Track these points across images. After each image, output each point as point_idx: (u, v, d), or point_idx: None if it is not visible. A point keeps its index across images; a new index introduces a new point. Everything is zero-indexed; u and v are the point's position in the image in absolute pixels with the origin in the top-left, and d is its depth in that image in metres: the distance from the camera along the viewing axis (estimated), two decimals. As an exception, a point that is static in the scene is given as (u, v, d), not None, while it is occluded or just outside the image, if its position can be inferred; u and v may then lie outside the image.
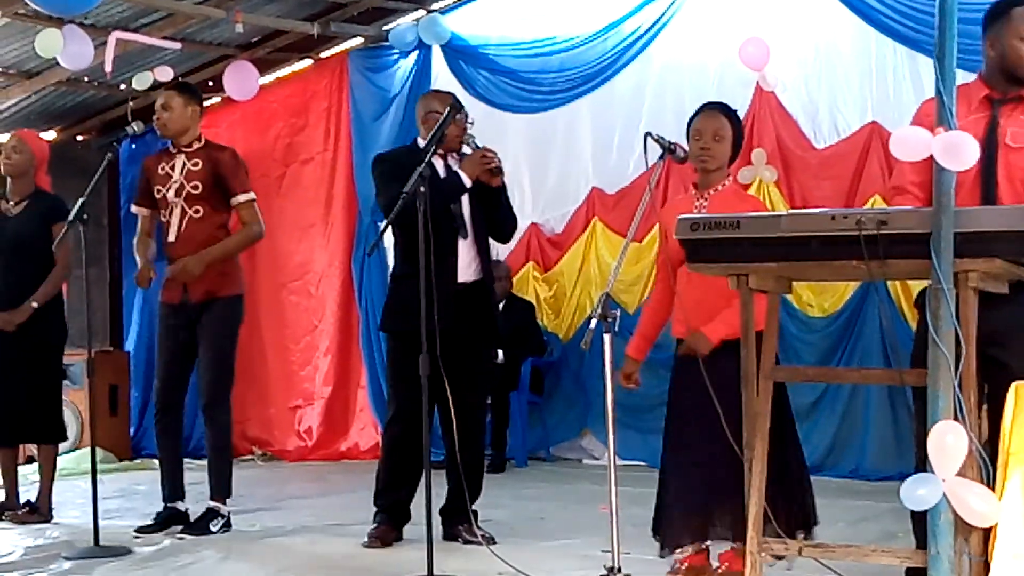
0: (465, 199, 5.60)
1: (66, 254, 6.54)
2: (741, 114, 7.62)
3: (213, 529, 6.00)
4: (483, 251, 5.70)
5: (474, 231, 5.63)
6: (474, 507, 5.58)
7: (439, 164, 5.60)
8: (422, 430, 5.06)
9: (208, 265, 6.00)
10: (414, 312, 5.14)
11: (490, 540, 5.45)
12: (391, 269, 5.85)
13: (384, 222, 5.11)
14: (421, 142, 5.65)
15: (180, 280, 6.03)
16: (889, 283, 7.13)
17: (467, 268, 5.61)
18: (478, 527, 5.52)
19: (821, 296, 7.85)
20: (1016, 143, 3.80)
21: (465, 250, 5.59)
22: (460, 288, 5.54)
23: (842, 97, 7.86)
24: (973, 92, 3.84)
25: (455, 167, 5.59)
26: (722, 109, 4.73)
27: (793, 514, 4.39)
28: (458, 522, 5.56)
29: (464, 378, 5.47)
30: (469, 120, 5.76)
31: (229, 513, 6.14)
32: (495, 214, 5.71)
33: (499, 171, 5.60)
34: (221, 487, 6.14)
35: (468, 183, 5.50)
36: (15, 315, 6.50)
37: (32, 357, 6.54)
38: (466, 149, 5.64)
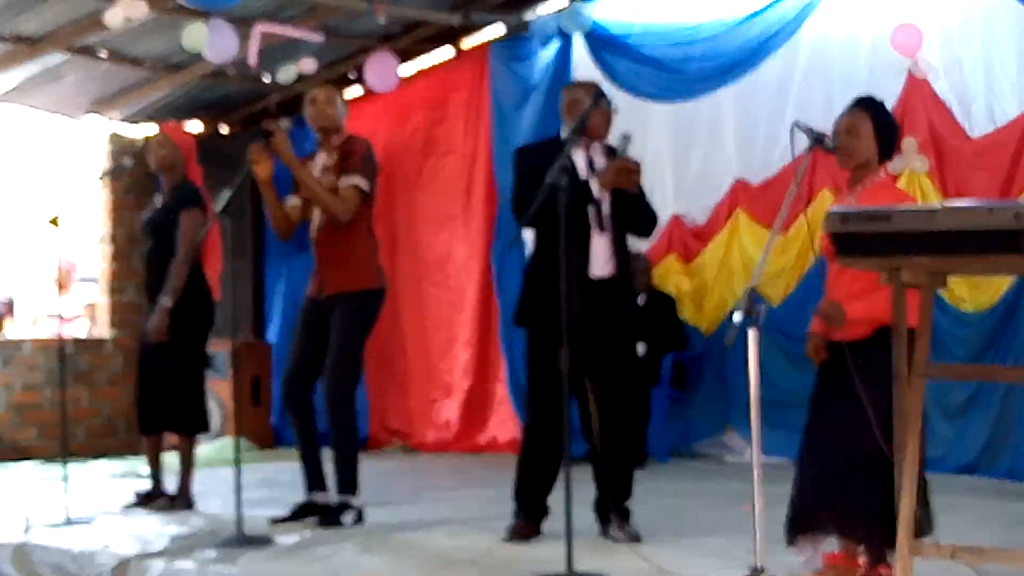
0: (604, 193, 5.51)
1: (187, 240, 6.61)
2: (891, 102, 7.54)
3: (344, 522, 6.00)
4: (620, 246, 5.58)
5: (611, 226, 5.53)
6: (626, 506, 5.53)
7: (581, 155, 5.53)
8: (559, 425, 5.06)
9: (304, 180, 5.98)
10: (547, 306, 5.14)
11: (634, 538, 5.36)
12: (527, 264, 5.78)
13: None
14: (565, 133, 5.57)
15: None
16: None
17: (602, 263, 5.50)
18: (628, 525, 5.46)
19: (975, 291, 7.58)
20: None
21: (601, 245, 5.48)
22: (595, 283, 5.45)
23: (999, 84, 7.58)
24: None
25: (597, 158, 5.51)
26: (862, 102, 4.63)
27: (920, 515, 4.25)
28: (605, 519, 5.50)
29: (602, 373, 5.41)
30: (614, 109, 5.67)
31: (362, 506, 6.13)
32: (633, 214, 5.59)
33: (635, 184, 5.47)
34: (347, 482, 6.13)
35: (599, 195, 5.41)
36: (155, 322, 6.59)
37: (176, 346, 6.63)
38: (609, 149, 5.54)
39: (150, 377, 6.77)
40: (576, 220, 5.19)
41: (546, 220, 5.00)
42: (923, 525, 4.31)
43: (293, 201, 6.23)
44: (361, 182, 6.08)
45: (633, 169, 5.42)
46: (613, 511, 5.43)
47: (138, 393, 6.91)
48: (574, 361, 4.78)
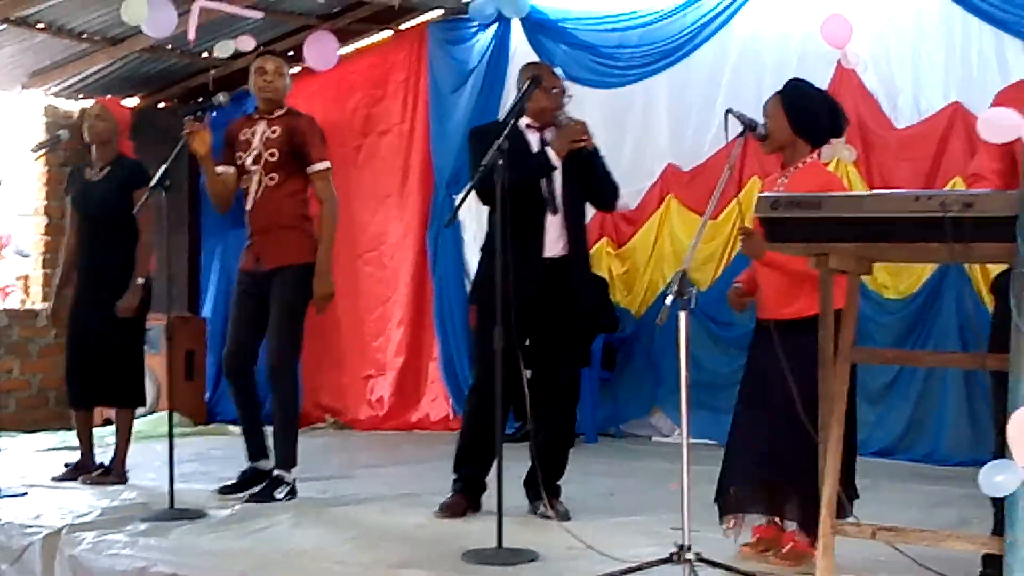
0: (557, 174, 5.57)
1: (149, 220, 6.62)
2: (821, 92, 7.68)
3: (278, 497, 6.03)
4: (574, 226, 5.62)
5: (565, 206, 5.58)
6: (558, 484, 5.63)
7: (534, 138, 5.60)
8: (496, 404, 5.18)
9: (327, 269, 6.12)
10: (497, 285, 5.22)
11: (564, 516, 5.45)
12: (483, 242, 5.84)
13: (460, 195, 5.10)
14: (522, 118, 5.65)
15: (321, 294, 6.11)
16: (967, 266, 7.06)
17: (555, 243, 5.56)
18: (558, 502, 5.55)
19: (897, 278, 7.76)
20: None
21: (553, 225, 5.54)
22: (547, 263, 5.53)
23: (925, 77, 7.75)
24: None
25: (551, 137, 5.60)
26: (781, 89, 4.75)
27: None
28: (535, 496, 5.57)
29: (549, 353, 5.50)
30: (569, 95, 5.74)
31: (295, 481, 6.17)
32: (591, 181, 5.63)
33: (590, 140, 5.55)
34: (285, 456, 6.17)
35: (557, 162, 5.49)
36: (129, 300, 6.61)
37: (114, 322, 6.63)
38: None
39: (83, 351, 6.74)
40: (528, 200, 5.26)
41: (495, 201, 5.09)
42: (845, 505, 4.48)
43: (225, 170, 6.22)
44: (327, 163, 6.22)
45: (581, 128, 5.48)
46: (544, 489, 5.52)
47: (69, 366, 6.86)
48: (511, 340, 4.86)
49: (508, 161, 4.93)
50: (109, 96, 8.32)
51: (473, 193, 5.29)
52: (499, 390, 4.90)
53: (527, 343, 5.42)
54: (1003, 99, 3.84)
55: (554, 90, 5.65)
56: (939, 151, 7.54)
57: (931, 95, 7.70)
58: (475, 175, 5.41)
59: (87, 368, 6.72)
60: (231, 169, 6.23)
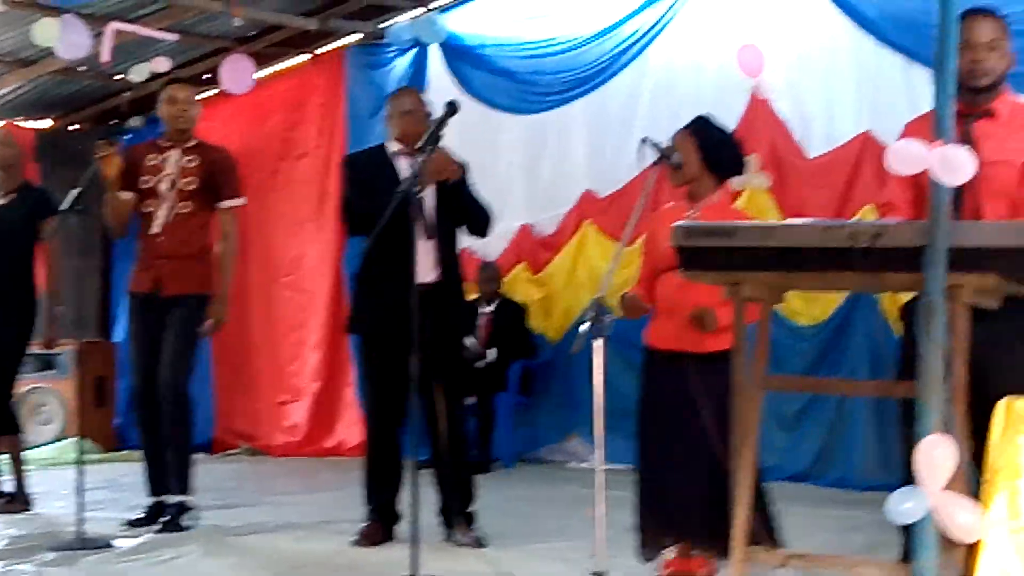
0: (429, 200, 5.52)
1: (56, 247, 6.58)
2: (734, 120, 7.76)
3: (186, 524, 5.98)
4: (446, 253, 5.58)
5: (437, 232, 5.52)
6: (471, 511, 5.61)
7: (404, 163, 5.57)
8: (392, 430, 5.41)
9: (226, 298, 6.23)
10: (375, 315, 5.25)
11: (479, 543, 5.44)
12: (356, 271, 5.83)
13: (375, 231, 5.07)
14: (392, 144, 5.64)
15: (216, 318, 6.13)
16: (877, 294, 7.16)
17: (427, 269, 5.45)
18: (472, 529, 5.53)
19: (810, 305, 7.84)
20: (993, 157, 3.81)
21: (426, 252, 5.41)
22: (421, 289, 5.29)
23: (836, 106, 7.85)
24: None
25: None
26: (690, 125, 4.80)
27: (762, 522, 4.43)
28: (450, 524, 5.55)
29: (432, 379, 5.47)
30: (433, 118, 5.75)
31: (197, 506, 6.14)
32: (459, 212, 5.61)
33: (455, 171, 5.50)
34: (186, 481, 6.11)
35: (420, 194, 5.29)
36: (52, 332, 6.60)
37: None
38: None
39: None
40: (401, 227, 5.21)
41: (372, 228, 5.12)
42: (759, 533, 4.50)
43: (126, 195, 6.16)
44: (243, 199, 6.40)
45: (442, 159, 5.38)
46: (457, 516, 5.50)
47: None
48: (406, 367, 4.89)
49: (371, 191, 5.07)
50: (16, 119, 8.21)
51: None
52: (396, 421, 4.97)
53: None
54: (911, 130, 3.90)
55: (423, 113, 5.64)
56: (851, 179, 7.63)
57: (842, 124, 7.80)
58: (349, 209, 5.45)
59: None
60: (131, 194, 6.17)
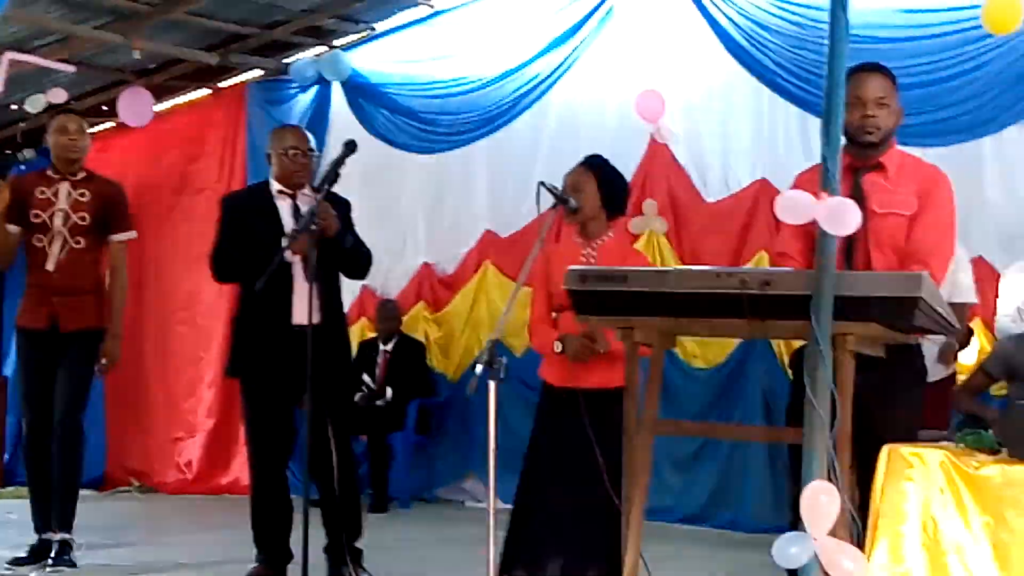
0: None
1: None
2: (633, 164, 7.86)
3: (76, 561, 5.89)
4: (326, 293, 5.41)
5: (317, 274, 5.22)
6: (358, 547, 5.54)
7: (284, 204, 5.51)
8: (277, 471, 5.44)
9: (120, 334, 6.17)
10: (253, 357, 5.33)
11: None
12: (233, 313, 5.79)
13: (274, 261, 5.03)
14: (273, 182, 5.59)
15: (109, 355, 6.07)
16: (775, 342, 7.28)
17: (305, 311, 5.08)
18: (362, 568, 5.48)
19: (705, 348, 7.93)
20: (882, 209, 3.91)
21: (302, 293, 5.15)
22: (299, 331, 5.16)
23: (733, 153, 7.98)
24: None
25: (303, 204, 5.44)
26: (586, 161, 4.89)
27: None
28: (338, 562, 5.47)
29: (315, 419, 5.38)
30: (317, 156, 5.74)
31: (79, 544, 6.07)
32: (338, 260, 5.47)
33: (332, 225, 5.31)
34: (70, 518, 6.02)
35: (288, 257, 5.27)
36: None
37: None
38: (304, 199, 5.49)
39: None
40: (280, 269, 5.16)
41: (239, 277, 5.14)
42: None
43: (12, 229, 6.06)
44: (133, 233, 6.34)
45: (324, 211, 5.16)
46: (347, 553, 5.44)
47: None
48: (286, 408, 4.88)
49: (250, 232, 5.24)
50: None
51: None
52: (280, 463, 5.17)
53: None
54: (801, 181, 3.99)
55: (307, 152, 5.57)
56: (746, 225, 7.76)
57: (739, 171, 7.93)
58: (221, 246, 5.42)
59: None
60: (17, 228, 6.08)
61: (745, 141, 7.93)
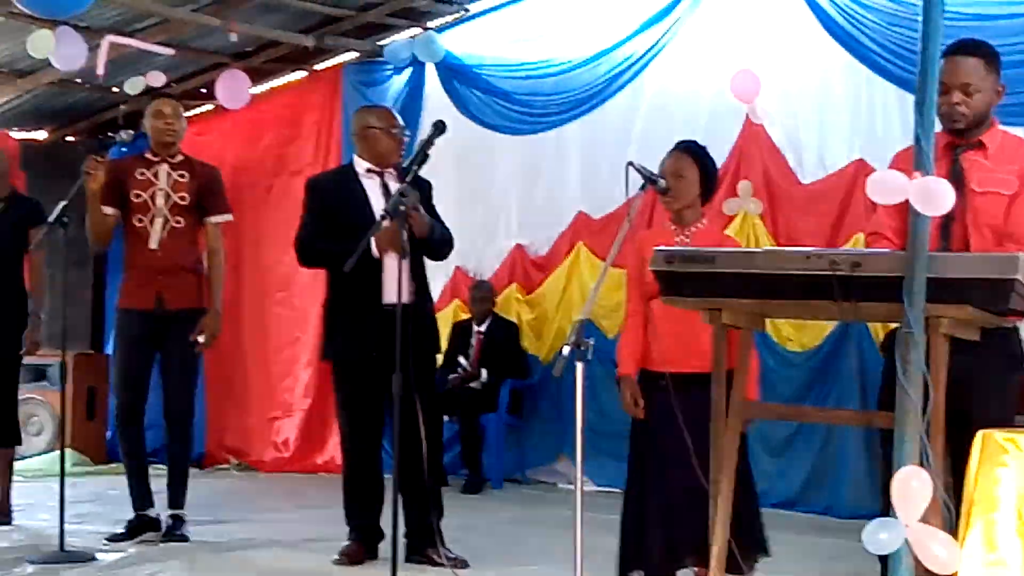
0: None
1: (42, 257, 6.61)
2: (727, 145, 7.78)
3: (187, 535, 6.04)
4: (414, 271, 5.48)
5: (408, 253, 5.31)
6: (442, 528, 5.56)
7: (373, 183, 5.56)
8: (370, 451, 5.50)
9: (220, 311, 6.24)
10: (345, 338, 5.31)
11: (461, 564, 5.42)
12: (324, 295, 5.82)
13: (364, 240, 5.04)
14: (360, 161, 5.62)
15: (210, 331, 6.12)
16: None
17: (395, 290, 5.11)
18: (447, 549, 5.49)
19: (801, 331, 7.83)
20: (981, 188, 3.84)
21: (392, 273, 5.21)
22: (389, 310, 5.19)
23: (830, 133, 7.85)
24: (937, 141, 3.85)
25: (392, 184, 5.53)
26: (687, 148, 4.82)
27: (748, 545, 4.42)
28: (425, 543, 5.49)
29: (411, 398, 5.41)
30: (406, 134, 5.74)
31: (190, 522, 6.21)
32: (422, 249, 5.54)
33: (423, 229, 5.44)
34: (182, 497, 6.17)
35: (376, 253, 5.35)
36: (34, 335, 6.62)
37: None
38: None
39: None
40: (365, 251, 5.19)
41: (323, 264, 5.19)
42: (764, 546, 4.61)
43: (109, 211, 6.16)
44: (230, 215, 6.43)
45: (391, 234, 5.20)
46: (430, 534, 5.47)
47: None
48: (382, 388, 4.89)
49: (335, 213, 5.28)
50: (11, 129, 8.22)
51: None
52: (375, 443, 5.23)
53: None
54: (898, 160, 3.92)
55: (393, 130, 5.62)
56: (843, 206, 7.63)
57: (836, 151, 7.80)
58: (306, 228, 5.44)
59: None
60: (115, 209, 6.18)
61: (842, 120, 7.81)
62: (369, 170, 5.57)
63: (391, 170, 5.57)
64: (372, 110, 5.93)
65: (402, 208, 4.85)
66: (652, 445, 4.70)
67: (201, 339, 6.12)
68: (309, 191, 5.73)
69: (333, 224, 5.45)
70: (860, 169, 7.53)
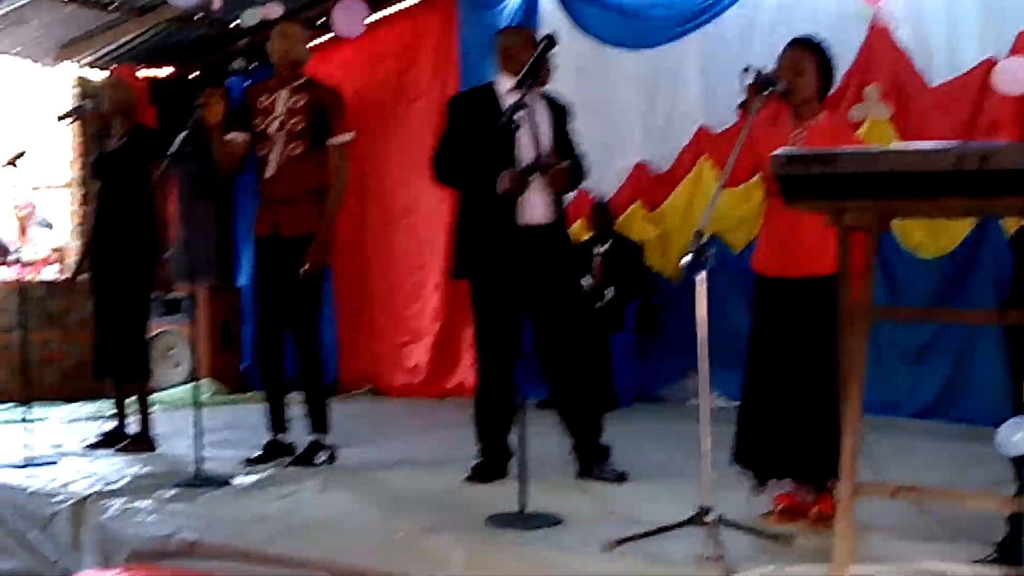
0: (544, 135, 5.53)
1: (165, 191, 6.71)
2: (853, 50, 7.57)
3: (317, 462, 6.12)
4: (551, 192, 5.56)
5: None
6: (604, 443, 5.64)
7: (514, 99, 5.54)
8: (505, 371, 5.44)
9: (328, 238, 6.13)
10: (480, 257, 5.30)
11: (620, 477, 5.49)
12: (455, 214, 5.82)
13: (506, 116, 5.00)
14: (504, 80, 5.60)
15: (312, 261, 6.08)
16: (1003, 222, 6.95)
17: (536, 209, 5.48)
18: (608, 464, 5.56)
19: (934, 237, 7.64)
20: None
21: (534, 191, 5.41)
22: (530, 230, 5.38)
23: (959, 34, 7.58)
24: None
25: (538, 106, 5.55)
26: (804, 42, 4.68)
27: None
28: (588, 460, 5.58)
29: (550, 319, 5.47)
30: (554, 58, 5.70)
31: (334, 445, 6.25)
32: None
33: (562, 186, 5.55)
34: (321, 421, 6.25)
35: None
36: (165, 273, 6.75)
37: (121, 296, 6.76)
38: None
39: (100, 322, 6.88)
40: (504, 165, 5.20)
41: (458, 181, 5.23)
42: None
43: (236, 136, 6.20)
44: (350, 135, 6.29)
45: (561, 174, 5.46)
46: (590, 452, 5.51)
47: (95, 337, 6.97)
48: (515, 308, 4.87)
49: (477, 131, 5.19)
50: (137, 67, 8.34)
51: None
52: (507, 363, 5.21)
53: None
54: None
55: (529, 49, 5.53)
56: (974, 108, 7.39)
57: (965, 51, 7.53)
58: (445, 145, 5.41)
59: (102, 340, 6.85)
60: (244, 135, 6.22)
61: (971, 19, 7.53)
62: (511, 89, 5.56)
63: (536, 91, 5.56)
64: (517, 29, 6.00)
65: (516, 120, 4.82)
66: (766, 355, 4.65)
67: (306, 267, 6.10)
68: (450, 108, 5.77)
69: (472, 141, 5.44)
70: (991, 69, 7.27)
